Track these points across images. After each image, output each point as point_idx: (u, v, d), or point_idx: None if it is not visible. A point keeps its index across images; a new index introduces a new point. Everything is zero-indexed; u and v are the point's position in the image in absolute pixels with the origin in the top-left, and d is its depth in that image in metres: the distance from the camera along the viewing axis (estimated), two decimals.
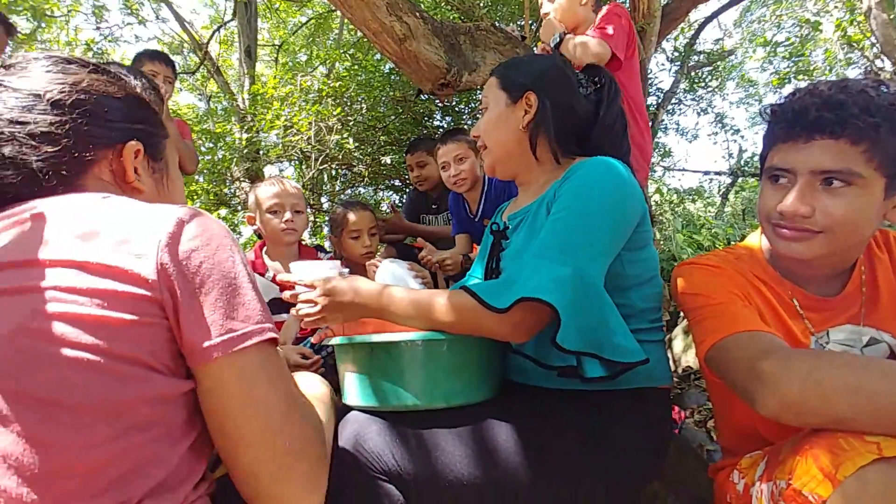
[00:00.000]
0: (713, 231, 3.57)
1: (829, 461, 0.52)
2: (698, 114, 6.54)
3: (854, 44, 6.75)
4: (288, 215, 1.54)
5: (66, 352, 0.45)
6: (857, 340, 0.78)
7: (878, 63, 6.45)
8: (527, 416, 0.82)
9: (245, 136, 4.77)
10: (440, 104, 5.27)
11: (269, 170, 6.16)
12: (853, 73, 7.46)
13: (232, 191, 5.93)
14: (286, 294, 0.94)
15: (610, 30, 1.69)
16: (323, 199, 6.35)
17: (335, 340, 0.87)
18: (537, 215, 0.92)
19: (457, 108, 5.53)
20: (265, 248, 1.61)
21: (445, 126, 5.50)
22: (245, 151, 4.81)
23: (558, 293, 0.72)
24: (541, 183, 0.98)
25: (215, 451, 0.55)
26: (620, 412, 0.83)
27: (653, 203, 5.14)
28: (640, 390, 0.85)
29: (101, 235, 0.50)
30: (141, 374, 0.48)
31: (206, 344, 0.50)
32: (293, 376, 0.73)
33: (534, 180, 1.01)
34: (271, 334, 0.55)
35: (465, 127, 4.76)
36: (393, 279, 1.02)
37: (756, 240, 0.89)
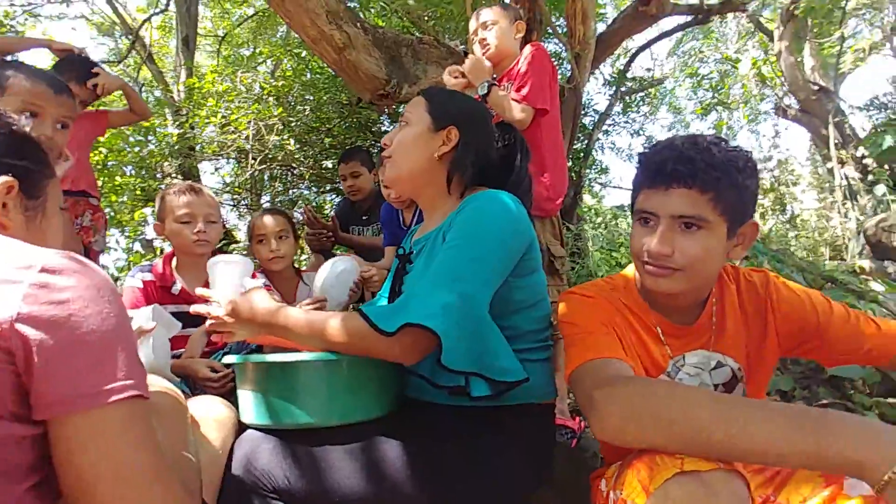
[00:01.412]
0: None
1: (646, 475, 0.61)
2: (632, 135, 6.96)
3: (767, 81, 7.47)
4: (200, 226, 1.47)
5: None
6: (707, 364, 0.90)
7: (786, 100, 7.18)
8: (418, 432, 0.87)
9: (177, 131, 4.54)
10: (387, 111, 5.27)
11: (203, 167, 5.91)
12: (766, 106, 8.25)
13: (163, 187, 5.63)
14: (195, 308, 0.93)
15: (526, 90, 1.72)
16: (264, 199, 6.17)
17: (230, 359, 0.88)
18: (435, 243, 0.97)
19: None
20: (174, 259, 1.54)
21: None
22: (177, 147, 4.57)
23: (443, 319, 0.77)
24: (444, 210, 1.04)
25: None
26: (505, 426, 0.89)
27: (586, 217, 5.41)
28: (523, 406, 0.92)
29: None
30: None
31: (59, 398, 0.49)
32: (187, 409, 0.73)
33: (438, 208, 1.06)
34: (134, 392, 0.53)
35: None
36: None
37: (631, 271, 0.99)
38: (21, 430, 0.50)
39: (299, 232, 2.12)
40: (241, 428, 0.90)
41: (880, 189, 5.59)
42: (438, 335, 0.75)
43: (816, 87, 6.69)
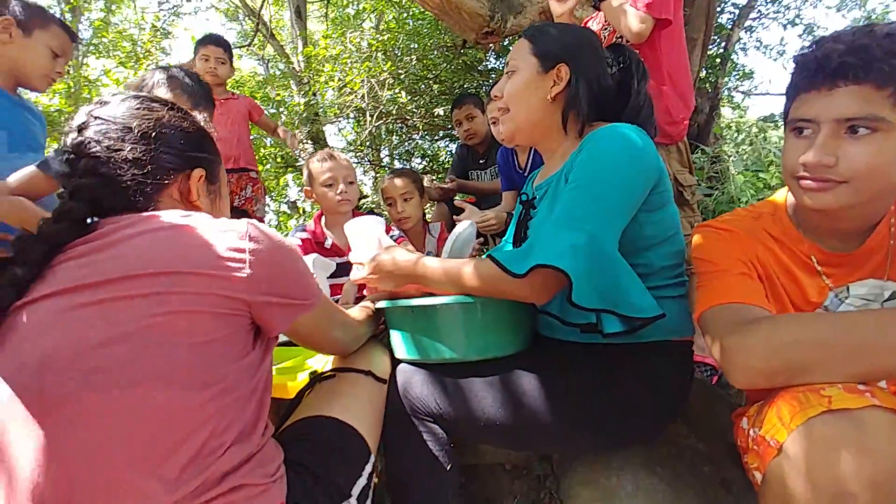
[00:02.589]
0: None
1: (788, 412, 0.58)
2: (784, 27, 5.75)
3: None
4: (342, 187, 1.68)
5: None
6: (879, 295, 0.78)
7: None
8: (551, 367, 0.92)
9: (303, 100, 4.94)
10: (494, 48, 5.10)
11: (328, 129, 6.38)
12: None
13: (297, 153, 6.26)
14: (353, 276, 1.12)
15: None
16: (383, 154, 6.52)
17: (381, 304, 1.01)
18: (558, 185, 0.96)
19: (510, 49, 5.30)
20: (323, 218, 1.77)
21: (499, 70, 5.34)
22: (304, 115, 5.00)
23: (571, 259, 0.79)
24: (563, 152, 1.02)
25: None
26: (639, 363, 0.90)
27: (725, 135, 4.74)
28: (659, 343, 0.91)
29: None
30: (233, 353, 0.65)
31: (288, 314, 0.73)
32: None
33: (557, 149, 1.04)
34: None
35: None
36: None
37: (782, 196, 0.88)
38: (251, 358, 0.68)
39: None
40: (395, 363, 1.04)
41: None
42: (567, 274, 0.78)
43: None
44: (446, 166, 5.66)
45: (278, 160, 5.78)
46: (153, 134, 0.73)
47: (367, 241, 1.10)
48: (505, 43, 5.11)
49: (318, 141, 5.90)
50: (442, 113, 5.18)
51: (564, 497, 1.00)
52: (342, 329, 0.91)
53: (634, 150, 0.87)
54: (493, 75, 5.11)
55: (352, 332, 0.95)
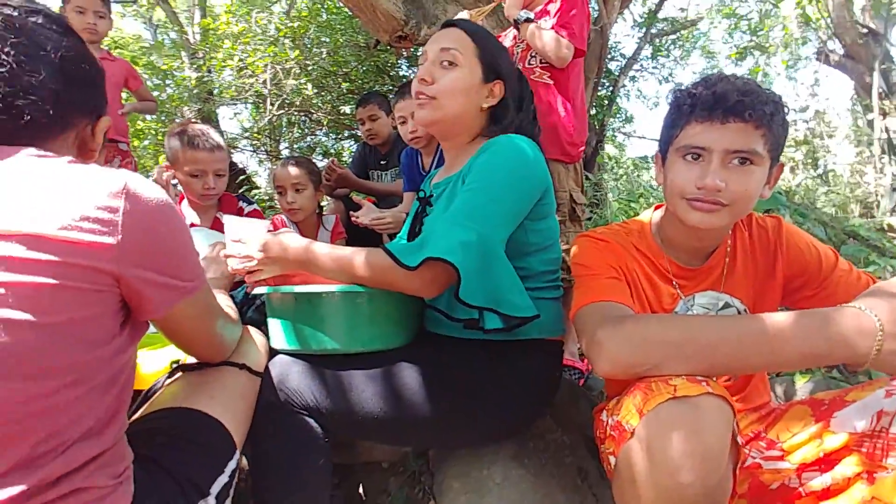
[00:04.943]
0: (650, 201, 3.78)
1: (641, 399, 0.66)
2: (660, 81, 6.65)
3: (811, 23, 6.95)
4: (210, 181, 1.53)
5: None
6: (715, 304, 0.93)
7: (830, 44, 6.71)
8: (434, 361, 0.93)
9: (195, 75, 4.51)
10: (406, 54, 5.11)
11: (222, 111, 5.90)
12: (807, 51, 7.72)
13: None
14: (231, 264, 0.99)
15: (575, 27, 1.68)
16: (282, 146, 6.17)
17: (264, 290, 0.94)
18: (455, 186, 1.00)
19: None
20: (185, 200, 1.62)
21: (410, 77, 5.38)
22: (196, 92, 4.56)
23: (462, 255, 0.81)
24: (466, 154, 1.05)
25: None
26: (514, 359, 0.96)
27: (607, 167, 5.30)
28: (533, 340, 0.98)
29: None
30: (90, 338, 0.54)
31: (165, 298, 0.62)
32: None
33: (462, 153, 1.07)
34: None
35: None
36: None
37: (647, 216, 1.00)
38: (116, 345, 0.58)
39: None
40: (272, 353, 0.98)
41: None
42: (458, 269, 0.80)
43: (865, 30, 6.21)
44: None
45: (159, 137, 5.18)
46: (59, 63, 0.60)
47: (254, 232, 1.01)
48: (418, 52, 5.20)
49: (210, 122, 5.42)
50: (349, 111, 5.08)
51: (437, 491, 1.02)
52: (222, 325, 0.79)
53: (529, 162, 0.93)
54: (405, 80, 5.13)
55: (231, 330, 0.84)
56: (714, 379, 0.68)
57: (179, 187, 1.59)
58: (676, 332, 0.68)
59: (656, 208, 1.01)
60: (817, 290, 0.90)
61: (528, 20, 1.71)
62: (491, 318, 0.87)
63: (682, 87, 0.87)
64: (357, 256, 0.87)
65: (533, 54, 1.81)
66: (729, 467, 0.66)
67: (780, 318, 0.65)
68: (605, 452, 0.80)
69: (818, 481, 0.79)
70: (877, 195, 5.50)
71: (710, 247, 0.93)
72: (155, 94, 4.63)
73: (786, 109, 0.82)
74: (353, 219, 1.67)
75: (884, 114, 5.94)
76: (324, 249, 0.91)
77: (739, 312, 0.93)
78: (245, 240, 0.97)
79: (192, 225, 1.56)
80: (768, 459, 0.85)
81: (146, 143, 5.15)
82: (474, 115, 1.04)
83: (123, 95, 2.63)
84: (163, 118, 4.98)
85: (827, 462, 0.78)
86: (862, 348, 0.60)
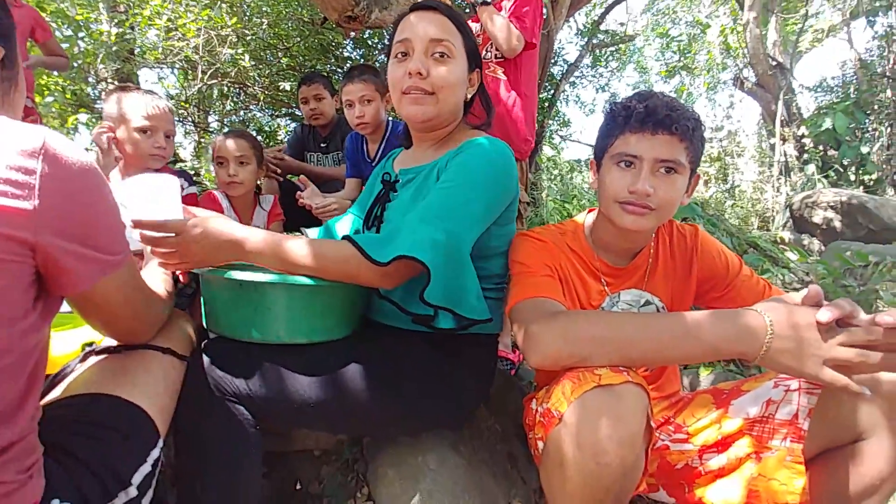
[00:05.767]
0: (583, 202, 4.00)
1: (570, 388, 0.71)
2: (597, 90, 7.01)
3: (731, 51, 7.63)
4: (161, 139, 1.44)
5: None
6: (638, 301, 1.01)
7: (745, 72, 7.40)
8: (376, 350, 0.93)
9: (116, 30, 4.08)
10: (354, 35, 4.95)
11: (144, 74, 5.40)
12: (726, 76, 8.48)
13: (97, 92, 5.11)
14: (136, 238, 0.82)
15: (528, 21, 1.72)
16: (211, 118, 5.76)
17: (203, 271, 0.88)
18: (427, 179, 0.99)
19: (370, 42, 5.24)
20: (119, 165, 1.48)
21: (355, 59, 5.23)
22: (115, 49, 4.13)
23: (432, 253, 0.81)
24: (439, 145, 1.05)
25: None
26: (455, 350, 0.98)
27: (544, 167, 5.50)
28: (475, 335, 1.00)
29: None
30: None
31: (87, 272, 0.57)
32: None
33: (438, 141, 1.06)
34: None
35: (376, 64, 4.57)
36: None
37: (581, 218, 1.07)
38: (32, 324, 0.52)
39: None
40: (200, 336, 0.92)
41: (811, 168, 6.03)
42: (427, 267, 0.80)
43: (774, 63, 6.92)
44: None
45: (67, 95, 4.64)
46: None
47: (162, 202, 0.84)
48: (365, 35, 5.06)
49: (129, 85, 4.94)
50: (288, 88, 4.85)
51: (371, 479, 1.02)
52: (146, 305, 0.73)
53: (505, 169, 0.96)
54: (350, 63, 4.98)
55: (155, 311, 0.78)
56: (634, 369, 0.74)
57: (117, 152, 1.45)
58: (602, 328, 0.74)
59: (589, 212, 1.07)
60: (724, 292, 1.01)
61: (485, 3, 1.73)
62: (445, 317, 0.88)
63: (618, 101, 0.94)
64: (322, 248, 0.84)
65: (487, 48, 1.83)
66: (643, 448, 0.73)
67: (690, 317, 0.72)
68: (534, 438, 0.85)
69: (715, 461, 0.89)
70: (773, 211, 6.17)
71: (637, 248, 1.01)
72: (65, 46, 4.13)
73: (703, 126, 0.91)
74: (298, 200, 1.60)
75: (783, 139, 6.67)
76: (259, 235, 0.85)
77: (658, 309, 1.01)
78: (146, 212, 0.81)
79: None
80: (675, 442, 0.95)
81: (49, 99, 4.59)
82: (460, 107, 1.04)
83: (28, 46, 2.33)
84: (73, 75, 4.47)
85: (724, 444, 0.89)
86: (754, 346, 0.68)
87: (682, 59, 8.08)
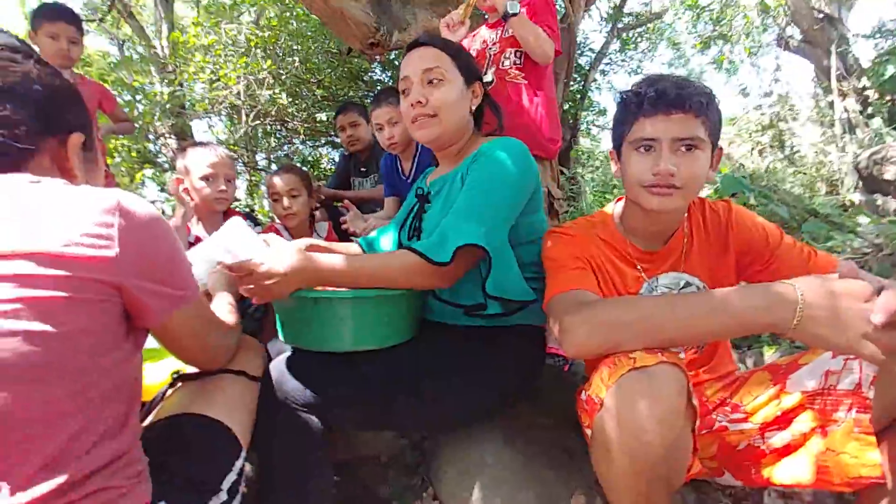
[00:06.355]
0: (623, 191, 3.86)
1: (607, 374, 0.73)
2: (630, 74, 6.82)
3: (770, 11, 7.19)
4: (221, 184, 1.59)
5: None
6: (677, 284, 1.00)
7: (789, 30, 6.95)
8: (430, 348, 1.00)
9: (167, 89, 4.47)
10: (379, 59, 5.13)
11: (196, 125, 5.84)
12: (768, 38, 7.98)
13: (157, 147, 5.59)
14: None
15: (554, 27, 1.76)
16: (258, 157, 6.13)
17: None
18: (452, 186, 1.08)
19: (396, 62, 5.40)
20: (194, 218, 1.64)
21: (384, 81, 5.42)
22: (168, 106, 4.52)
23: (485, 239, 0.91)
24: (458, 153, 1.15)
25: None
26: (502, 344, 1.04)
27: (582, 160, 5.41)
28: (523, 326, 1.06)
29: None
30: (99, 345, 0.59)
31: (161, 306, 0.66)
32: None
33: (455, 151, 1.16)
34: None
35: None
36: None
37: (610, 208, 1.08)
38: (123, 352, 0.62)
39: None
40: (269, 358, 1.02)
41: (876, 121, 5.54)
42: (486, 250, 0.89)
43: (821, 15, 6.46)
44: (327, 173, 5.54)
45: (133, 154, 5.12)
46: (20, 90, 0.63)
47: (247, 245, 1.04)
48: (391, 57, 5.23)
49: (184, 137, 5.37)
50: (325, 118, 5.09)
51: (434, 478, 1.07)
52: (217, 334, 0.82)
53: (525, 164, 1.02)
54: (379, 86, 5.16)
55: (226, 339, 0.86)
56: (669, 350, 0.75)
57: (191, 203, 1.61)
58: (628, 312, 0.75)
59: (617, 201, 1.08)
60: (767, 264, 0.98)
61: (514, 14, 1.77)
62: (493, 304, 0.97)
63: (627, 89, 0.95)
64: (387, 261, 0.93)
65: (507, 56, 1.86)
66: (687, 426, 0.73)
67: (719, 293, 0.72)
68: (584, 427, 0.87)
69: (778, 438, 0.87)
70: (840, 173, 5.72)
71: (669, 230, 1.00)
72: (126, 111, 4.57)
73: (717, 99, 0.90)
74: (342, 225, 1.72)
75: (843, 95, 6.18)
76: (358, 262, 0.93)
77: (699, 290, 1.00)
78: (262, 256, 0.91)
79: (199, 239, 1.58)
80: (734, 422, 0.93)
81: (118, 160, 5.08)
82: (466, 118, 1.13)
83: (97, 115, 2.61)
84: (135, 135, 4.92)
85: (785, 420, 0.86)
86: (785, 317, 0.67)
87: (716, 27, 7.69)
